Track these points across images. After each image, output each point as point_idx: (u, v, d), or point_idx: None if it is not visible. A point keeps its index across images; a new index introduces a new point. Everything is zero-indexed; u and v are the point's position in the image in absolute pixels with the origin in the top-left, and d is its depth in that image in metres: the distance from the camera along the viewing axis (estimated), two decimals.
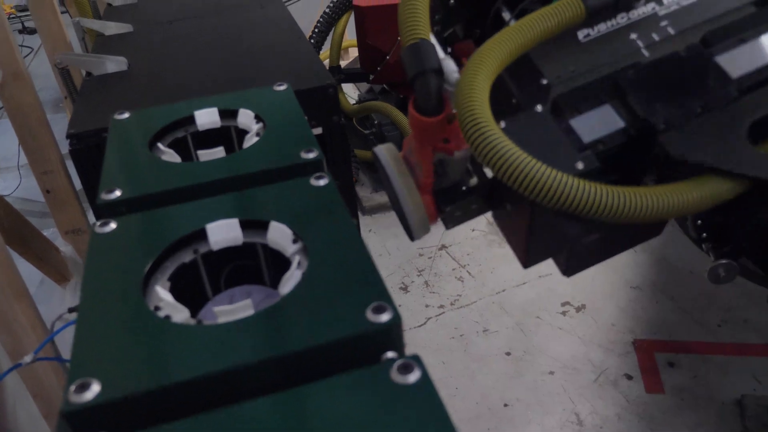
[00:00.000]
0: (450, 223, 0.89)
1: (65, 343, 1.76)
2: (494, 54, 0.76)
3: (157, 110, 1.07)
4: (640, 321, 2.33)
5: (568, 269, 0.83)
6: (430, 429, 0.51)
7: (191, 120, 1.04)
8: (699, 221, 1.64)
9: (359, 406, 0.54)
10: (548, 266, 2.64)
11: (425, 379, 0.55)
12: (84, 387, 0.56)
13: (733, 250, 1.70)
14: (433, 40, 0.83)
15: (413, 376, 0.55)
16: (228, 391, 0.58)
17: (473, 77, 0.74)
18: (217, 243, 0.77)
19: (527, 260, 0.87)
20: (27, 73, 1.93)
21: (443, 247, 2.72)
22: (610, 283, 2.49)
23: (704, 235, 1.67)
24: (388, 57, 2.94)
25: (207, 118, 1.04)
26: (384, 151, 0.89)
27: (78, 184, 2.17)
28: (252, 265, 0.81)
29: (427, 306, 2.46)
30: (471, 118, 0.70)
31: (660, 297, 2.42)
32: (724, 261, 1.64)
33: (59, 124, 2.47)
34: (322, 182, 0.83)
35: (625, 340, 2.25)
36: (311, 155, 0.89)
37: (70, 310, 1.11)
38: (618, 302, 2.41)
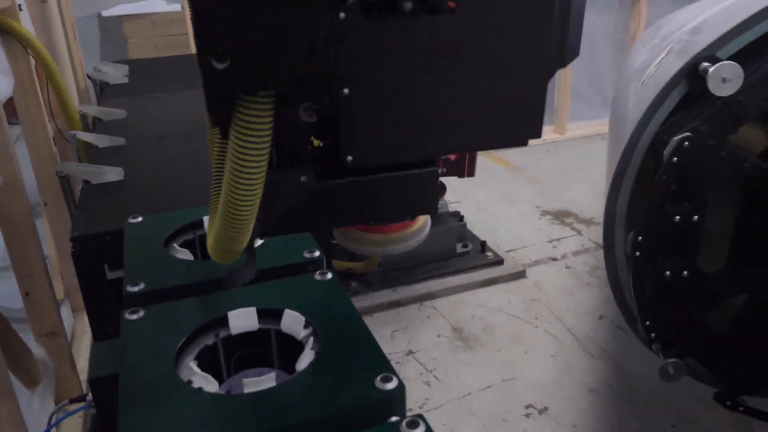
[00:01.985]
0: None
1: None
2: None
3: (168, 215, 1.20)
4: (599, 423, 2.42)
5: None
6: None
7: (200, 224, 1.17)
8: (647, 322, 1.80)
9: None
10: (512, 370, 2.74)
11: None
12: None
13: (681, 350, 1.86)
14: None
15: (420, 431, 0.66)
16: None
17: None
18: (236, 328, 0.88)
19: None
20: (22, 183, 2.03)
21: (410, 352, 2.80)
22: (570, 387, 2.60)
23: (653, 335, 1.83)
24: None
25: None
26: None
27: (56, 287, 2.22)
28: (262, 350, 0.92)
29: None
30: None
31: (616, 400, 2.53)
32: (672, 360, 1.79)
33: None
34: (326, 277, 0.96)
35: None
36: (314, 255, 1.02)
37: (71, 401, 1.17)
38: (578, 405, 2.51)
